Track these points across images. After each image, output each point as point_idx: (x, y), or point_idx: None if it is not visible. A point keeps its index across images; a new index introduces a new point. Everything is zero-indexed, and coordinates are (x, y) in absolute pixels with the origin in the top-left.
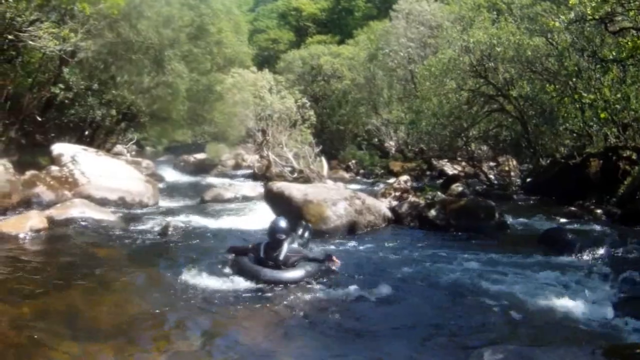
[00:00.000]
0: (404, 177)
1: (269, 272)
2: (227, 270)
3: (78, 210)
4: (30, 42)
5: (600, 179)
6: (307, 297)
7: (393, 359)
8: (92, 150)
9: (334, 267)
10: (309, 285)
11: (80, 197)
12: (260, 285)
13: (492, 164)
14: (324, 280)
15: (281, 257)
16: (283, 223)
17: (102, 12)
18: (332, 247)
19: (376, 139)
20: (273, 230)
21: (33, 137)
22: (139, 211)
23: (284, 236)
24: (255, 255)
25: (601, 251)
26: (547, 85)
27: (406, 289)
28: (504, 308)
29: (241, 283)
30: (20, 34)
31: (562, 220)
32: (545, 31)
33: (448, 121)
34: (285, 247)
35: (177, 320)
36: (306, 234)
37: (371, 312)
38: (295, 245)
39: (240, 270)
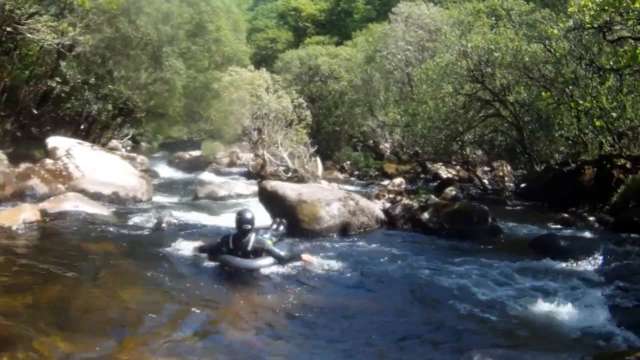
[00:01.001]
0: (398, 180)
1: (239, 261)
2: (210, 263)
3: (72, 203)
4: (29, 35)
5: (594, 186)
6: (297, 296)
7: None
8: (87, 144)
9: (307, 265)
10: (300, 285)
11: (74, 190)
12: (250, 281)
13: (486, 168)
14: (313, 279)
15: (249, 247)
16: (249, 214)
17: (101, 6)
18: (326, 245)
19: (371, 141)
20: (240, 221)
21: (28, 129)
22: (132, 206)
23: (249, 226)
24: (226, 247)
25: (593, 258)
26: (544, 91)
27: (396, 292)
28: (493, 312)
29: (230, 277)
30: (19, 26)
31: (555, 226)
32: (543, 38)
33: (444, 125)
34: (252, 237)
35: (169, 314)
36: (281, 228)
37: (359, 314)
38: (261, 238)
39: (213, 260)
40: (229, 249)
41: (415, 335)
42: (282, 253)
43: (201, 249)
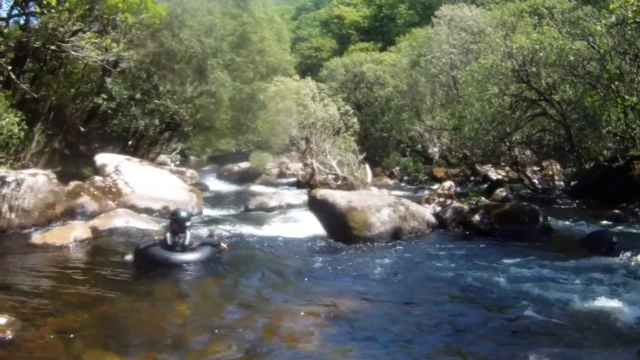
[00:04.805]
0: (448, 183)
1: (178, 256)
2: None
3: (122, 220)
4: (73, 53)
5: None
6: (350, 298)
7: None
8: (135, 160)
9: (223, 249)
10: (350, 287)
11: (124, 207)
12: (299, 286)
13: (535, 168)
14: (367, 284)
15: (186, 242)
16: (184, 213)
17: (144, 21)
18: (377, 252)
19: (419, 145)
20: (176, 220)
21: (76, 147)
22: None
23: (187, 223)
24: (163, 244)
25: None
26: (590, 89)
27: (449, 293)
28: (548, 311)
29: (283, 286)
30: (63, 44)
31: (606, 222)
32: (586, 35)
33: (491, 126)
34: (188, 234)
35: (223, 328)
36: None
37: (414, 316)
38: (196, 232)
39: (151, 258)
40: (167, 246)
41: (468, 335)
42: (213, 239)
43: (138, 250)
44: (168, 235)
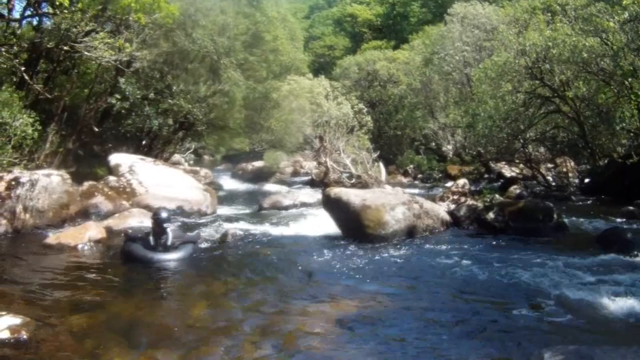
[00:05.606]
0: (462, 181)
1: (161, 255)
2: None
3: (136, 220)
4: (86, 53)
5: None
6: (364, 297)
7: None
8: (149, 159)
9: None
10: (364, 286)
11: (139, 207)
12: (315, 285)
13: (549, 165)
14: (381, 283)
15: (169, 242)
16: (165, 214)
17: (157, 21)
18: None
19: (433, 143)
20: (157, 221)
21: (90, 147)
22: (197, 220)
23: (167, 224)
24: (145, 244)
25: None
26: (603, 85)
27: (464, 290)
28: (562, 308)
29: (306, 287)
30: (76, 45)
31: (621, 220)
32: (599, 31)
33: (505, 123)
34: (170, 234)
35: (237, 327)
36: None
37: (428, 314)
38: (179, 232)
39: (134, 257)
40: (149, 245)
41: (483, 332)
42: (193, 235)
43: (128, 237)
44: (151, 237)
